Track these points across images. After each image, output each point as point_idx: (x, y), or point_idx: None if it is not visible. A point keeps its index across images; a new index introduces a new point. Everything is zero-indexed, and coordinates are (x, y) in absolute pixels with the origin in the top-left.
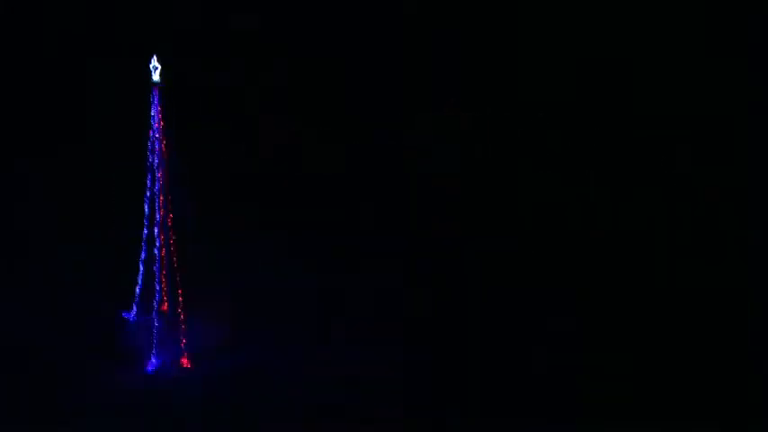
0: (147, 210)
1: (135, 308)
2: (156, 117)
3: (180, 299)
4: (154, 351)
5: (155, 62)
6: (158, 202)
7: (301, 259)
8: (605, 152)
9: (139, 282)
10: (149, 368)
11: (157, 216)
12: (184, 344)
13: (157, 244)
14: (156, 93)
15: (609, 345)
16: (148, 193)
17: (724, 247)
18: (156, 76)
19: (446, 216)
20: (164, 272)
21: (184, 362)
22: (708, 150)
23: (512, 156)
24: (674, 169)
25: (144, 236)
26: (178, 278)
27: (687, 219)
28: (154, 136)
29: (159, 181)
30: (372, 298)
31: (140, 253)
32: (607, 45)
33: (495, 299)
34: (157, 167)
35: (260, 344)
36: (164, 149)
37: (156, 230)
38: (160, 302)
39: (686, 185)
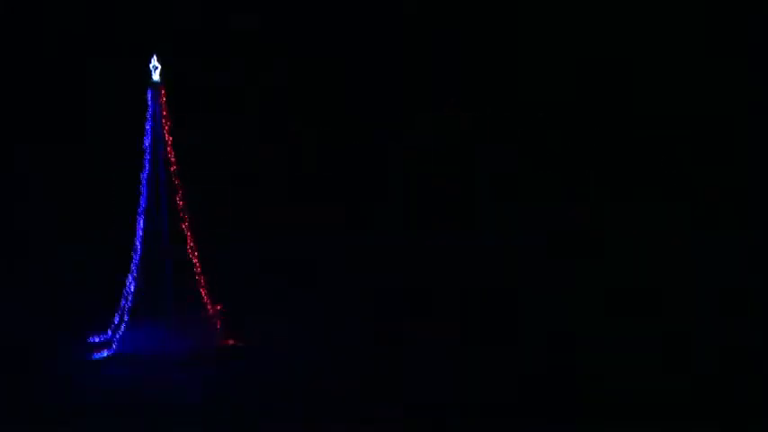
0: (141, 220)
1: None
2: (156, 116)
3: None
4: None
5: (155, 62)
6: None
7: (301, 258)
8: (605, 152)
9: (131, 291)
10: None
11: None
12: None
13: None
14: (156, 93)
15: (609, 345)
16: (144, 204)
17: (724, 247)
18: (156, 76)
19: (446, 216)
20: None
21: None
22: (708, 150)
23: (511, 156)
24: (674, 169)
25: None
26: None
27: (687, 219)
28: (154, 135)
29: (161, 181)
30: (373, 297)
31: (135, 260)
32: (607, 45)
33: (495, 298)
34: (152, 164)
35: (260, 343)
36: (169, 150)
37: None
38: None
39: (686, 185)
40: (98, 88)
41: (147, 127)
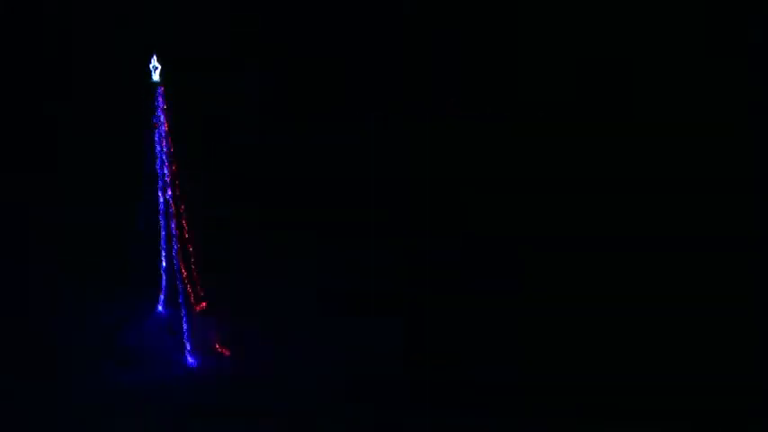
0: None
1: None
2: (158, 117)
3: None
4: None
5: (155, 62)
6: (161, 202)
7: (301, 258)
8: (605, 152)
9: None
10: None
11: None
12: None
13: (175, 246)
14: (156, 92)
15: (609, 345)
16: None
17: (725, 248)
18: (156, 76)
19: (446, 216)
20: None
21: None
22: (708, 151)
23: (512, 156)
24: (675, 170)
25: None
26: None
27: (688, 219)
28: (156, 135)
29: (161, 180)
30: (373, 297)
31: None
32: (607, 45)
33: (494, 298)
34: (159, 167)
35: (261, 343)
36: (170, 149)
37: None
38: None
39: (686, 186)
40: (98, 88)
41: (149, 126)
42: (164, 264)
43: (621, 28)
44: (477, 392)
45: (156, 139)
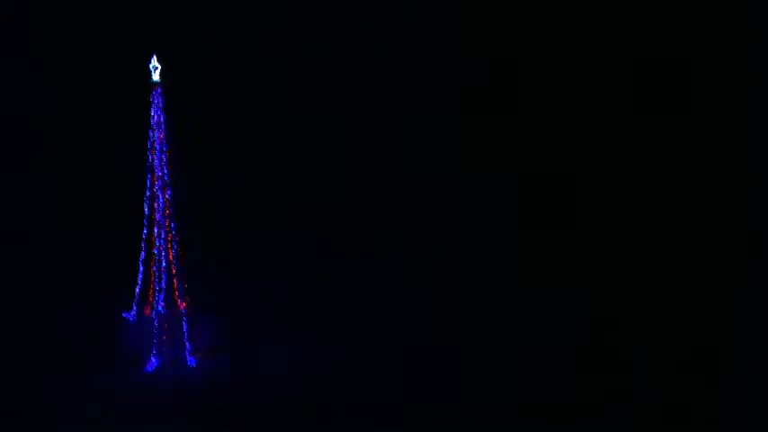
0: (146, 210)
1: (135, 308)
2: (156, 117)
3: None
4: (154, 351)
5: (155, 62)
6: (161, 202)
7: (301, 259)
8: (605, 152)
9: (139, 282)
10: (149, 368)
11: (158, 216)
12: (190, 343)
13: (159, 243)
14: (156, 93)
15: (609, 345)
16: (148, 193)
17: (725, 248)
18: (156, 76)
19: (445, 216)
20: (173, 270)
21: (191, 360)
22: (708, 150)
23: (512, 157)
24: (674, 169)
25: (144, 236)
26: (178, 276)
27: (688, 219)
28: (154, 135)
29: (160, 180)
30: (372, 296)
31: (140, 253)
32: (607, 45)
33: (494, 298)
34: (158, 167)
35: (260, 343)
36: (168, 149)
37: (156, 230)
38: (170, 301)
39: (686, 186)
40: (98, 88)
41: (148, 126)
42: (163, 263)
43: (621, 28)
44: (477, 392)
45: (156, 138)
